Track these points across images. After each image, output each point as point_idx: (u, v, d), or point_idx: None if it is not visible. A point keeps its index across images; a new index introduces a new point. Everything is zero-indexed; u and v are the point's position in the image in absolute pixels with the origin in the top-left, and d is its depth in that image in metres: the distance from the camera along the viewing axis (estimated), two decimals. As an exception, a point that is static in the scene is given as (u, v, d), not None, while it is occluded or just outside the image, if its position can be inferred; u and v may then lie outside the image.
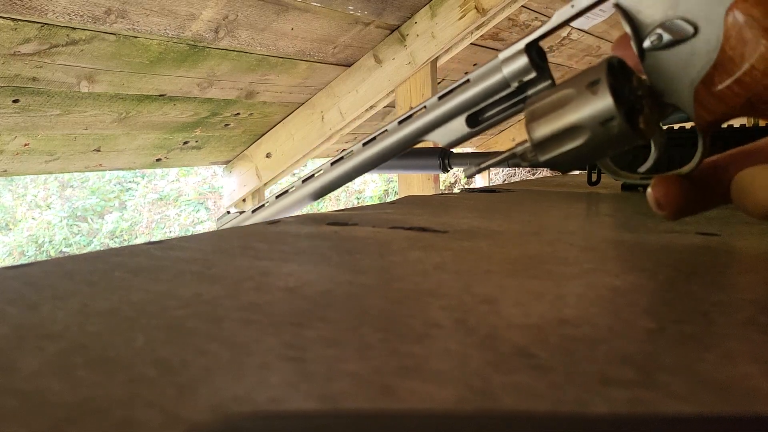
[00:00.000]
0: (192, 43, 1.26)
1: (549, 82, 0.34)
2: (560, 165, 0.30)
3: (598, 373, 0.15)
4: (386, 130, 0.40)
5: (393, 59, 1.63)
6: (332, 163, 0.43)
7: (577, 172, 0.95)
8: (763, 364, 0.16)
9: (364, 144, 0.41)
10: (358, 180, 4.99)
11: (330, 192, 0.45)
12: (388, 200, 0.62)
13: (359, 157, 0.42)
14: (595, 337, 0.18)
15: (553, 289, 0.23)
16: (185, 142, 1.66)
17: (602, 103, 0.27)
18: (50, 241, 4.65)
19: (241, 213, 0.50)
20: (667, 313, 0.20)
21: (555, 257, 0.29)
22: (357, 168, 0.42)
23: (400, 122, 0.40)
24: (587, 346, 0.17)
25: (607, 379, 0.15)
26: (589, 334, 0.18)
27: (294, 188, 0.46)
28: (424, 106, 0.38)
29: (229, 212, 0.52)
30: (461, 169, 0.61)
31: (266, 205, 0.48)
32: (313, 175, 0.44)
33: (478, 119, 0.37)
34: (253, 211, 0.49)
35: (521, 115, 0.32)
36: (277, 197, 0.47)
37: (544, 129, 0.29)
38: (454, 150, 0.74)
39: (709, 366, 0.15)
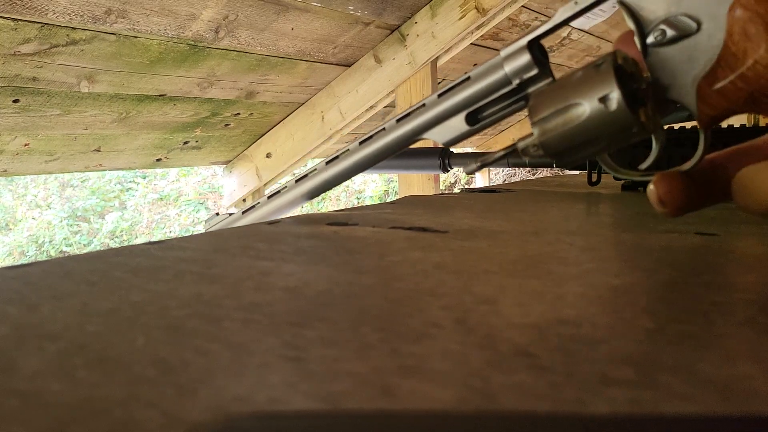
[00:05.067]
0: (192, 43, 1.26)
1: (550, 79, 0.34)
2: (561, 154, 0.29)
3: (597, 373, 0.15)
4: (384, 128, 0.39)
5: (393, 59, 1.63)
6: (327, 162, 0.42)
7: (576, 172, 0.95)
8: (763, 364, 0.16)
9: (361, 143, 0.40)
10: (358, 180, 4.98)
11: (324, 192, 0.43)
12: (388, 200, 0.62)
13: (356, 156, 0.41)
14: (594, 337, 0.18)
15: (552, 289, 0.23)
16: (185, 142, 1.66)
17: (603, 77, 0.27)
18: (50, 241, 4.65)
19: (230, 215, 0.49)
20: (666, 313, 0.20)
21: (555, 257, 0.29)
22: (353, 167, 0.41)
23: (398, 120, 0.39)
24: (587, 346, 0.17)
25: (607, 379, 0.15)
26: (588, 333, 0.18)
27: (287, 188, 0.44)
28: (423, 104, 0.38)
29: (218, 214, 0.50)
30: (461, 168, 0.61)
31: (257, 206, 0.46)
32: (306, 174, 0.43)
33: (477, 117, 0.36)
34: (244, 212, 0.47)
35: (521, 116, 0.32)
36: (269, 197, 0.45)
37: (548, 107, 0.29)
38: (454, 150, 0.73)
39: (708, 366, 0.15)
